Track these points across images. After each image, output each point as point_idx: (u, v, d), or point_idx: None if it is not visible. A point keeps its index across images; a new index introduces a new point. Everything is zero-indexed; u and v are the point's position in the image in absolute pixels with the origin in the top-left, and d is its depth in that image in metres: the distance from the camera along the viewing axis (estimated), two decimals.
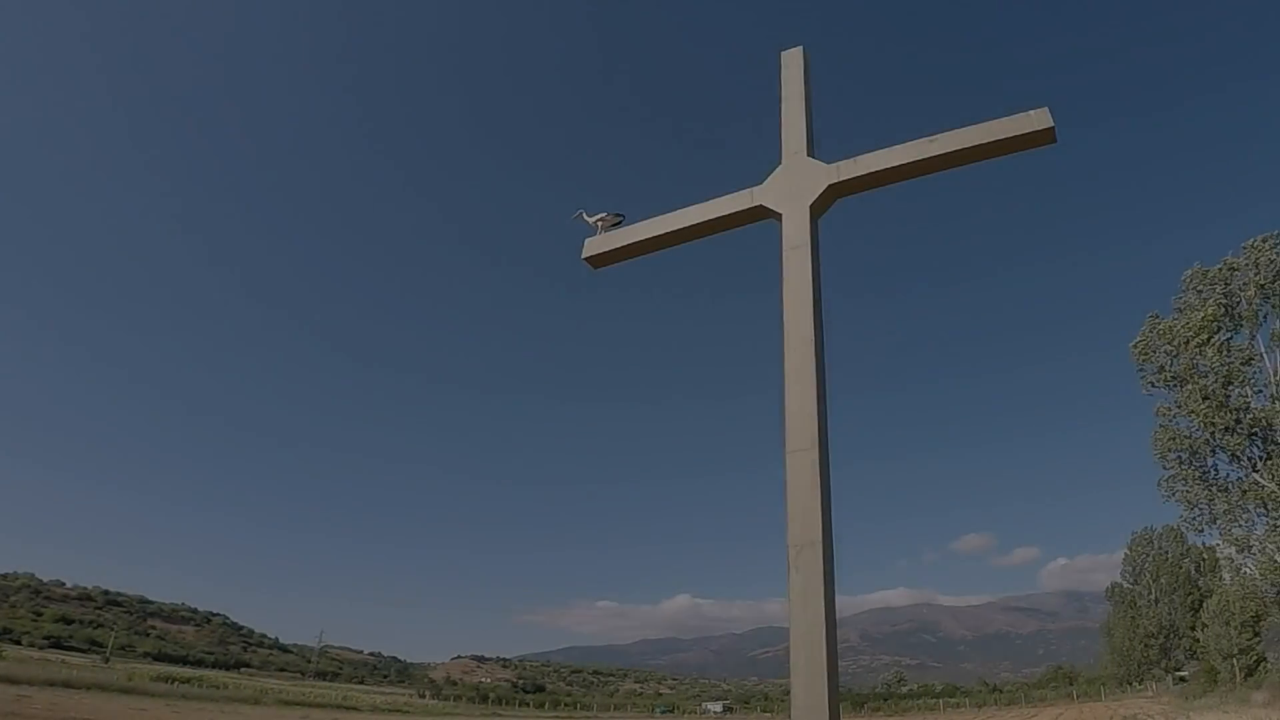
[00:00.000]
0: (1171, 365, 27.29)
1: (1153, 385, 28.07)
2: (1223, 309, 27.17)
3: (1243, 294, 27.18)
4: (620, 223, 8.17)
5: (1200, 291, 27.97)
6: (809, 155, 7.12)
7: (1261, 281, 26.79)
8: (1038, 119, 6.33)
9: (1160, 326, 28.15)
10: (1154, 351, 28.17)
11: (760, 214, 7.10)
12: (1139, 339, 28.65)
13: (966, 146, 6.52)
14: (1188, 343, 26.51)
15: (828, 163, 6.95)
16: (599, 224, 8.05)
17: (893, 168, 6.71)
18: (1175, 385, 27.31)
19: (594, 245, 7.74)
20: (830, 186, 6.74)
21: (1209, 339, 26.37)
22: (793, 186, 6.89)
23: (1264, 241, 26.94)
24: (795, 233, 6.60)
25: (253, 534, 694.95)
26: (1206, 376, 26.52)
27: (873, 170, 6.73)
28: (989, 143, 6.48)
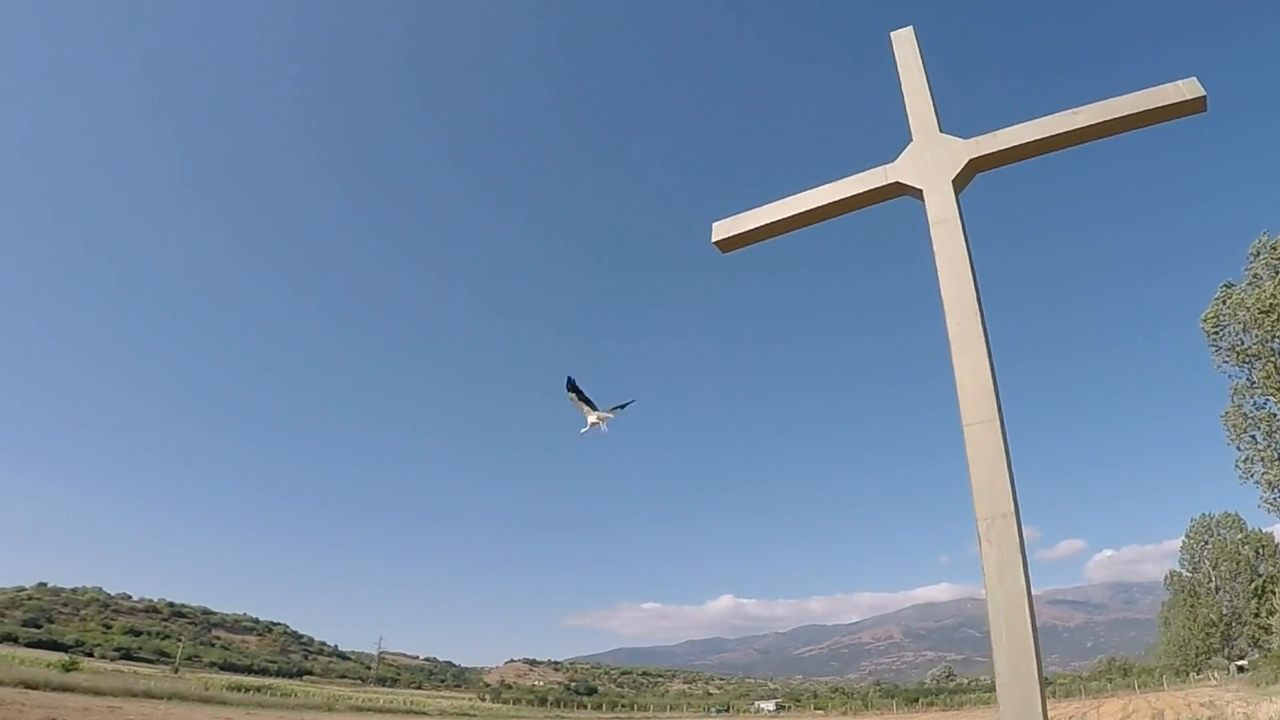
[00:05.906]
0: (1246, 341, 26.33)
1: (1225, 362, 27.11)
2: None
3: None
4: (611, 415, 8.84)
5: (1270, 263, 26.86)
6: (940, 131, 7.09)
7: None
8: (1187, 89, 6.24)
9: (1233, 298, 26.96)
10: (1226, 325, 27.16)
11: (896, 191, 7.07)
12: (1209, 311, 27.53)
13: (1113, 118, 6.44)
14: (1263, 317, 25.55)
15: (964, 138, 6.91)
16: (598, 421, 8.72)
17: (1035, 141, 6.66)
18: (1250, 362, 26.36)
19: (723, 229, 7.74)
20: (971, 161, 6.70)
21: None
22: (931, 162, 6.85)
23: None
24: (940, 208, 6.56)
25: (311, 544, 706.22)
26: None
27: (1014, 144, 6.68)
28: (1137, 113, 6.40)
